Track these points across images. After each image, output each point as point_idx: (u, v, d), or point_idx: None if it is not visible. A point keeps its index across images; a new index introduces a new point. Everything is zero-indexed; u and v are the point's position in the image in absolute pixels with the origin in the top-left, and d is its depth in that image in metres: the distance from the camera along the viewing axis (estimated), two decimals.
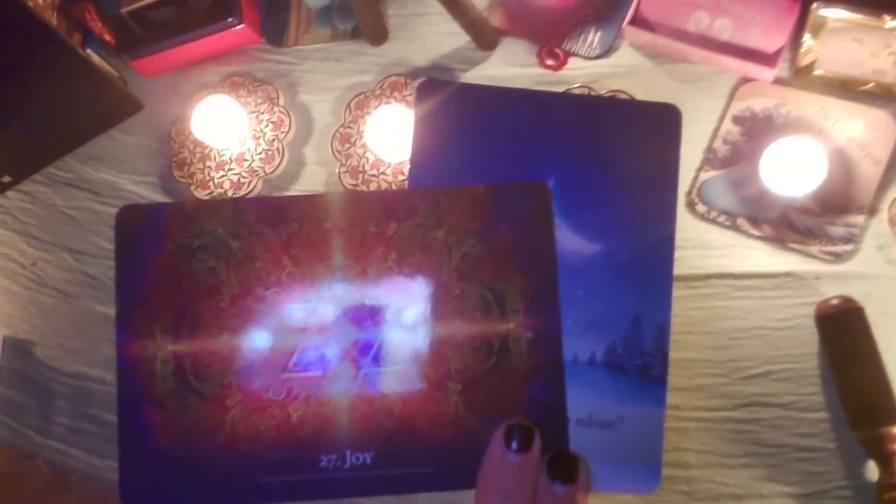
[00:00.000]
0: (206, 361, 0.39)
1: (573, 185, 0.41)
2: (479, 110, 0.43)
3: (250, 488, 0.38)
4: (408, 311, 0.39)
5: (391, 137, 0.62)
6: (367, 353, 0.39)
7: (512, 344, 0.39)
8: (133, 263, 0.40)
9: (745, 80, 0.61)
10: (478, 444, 0.38)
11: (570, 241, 0.40)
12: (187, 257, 0.40)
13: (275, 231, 0.40)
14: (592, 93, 0.62)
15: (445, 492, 0.39)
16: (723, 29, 0.62)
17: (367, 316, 0.39)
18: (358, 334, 0.39)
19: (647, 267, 0.40)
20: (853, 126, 0.58)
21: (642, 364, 0.39)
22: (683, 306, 0.58)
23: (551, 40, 0.65)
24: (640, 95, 0.62)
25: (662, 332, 0.40)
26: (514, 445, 0.37)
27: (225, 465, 0.38)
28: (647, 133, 0.42)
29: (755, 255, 0.58)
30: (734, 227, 0.58)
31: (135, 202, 0.69)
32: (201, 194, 0.67)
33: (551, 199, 0.40)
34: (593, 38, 0.64)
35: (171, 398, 0.39)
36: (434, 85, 0.43)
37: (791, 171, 0.56)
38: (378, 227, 0.40)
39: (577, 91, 0.63)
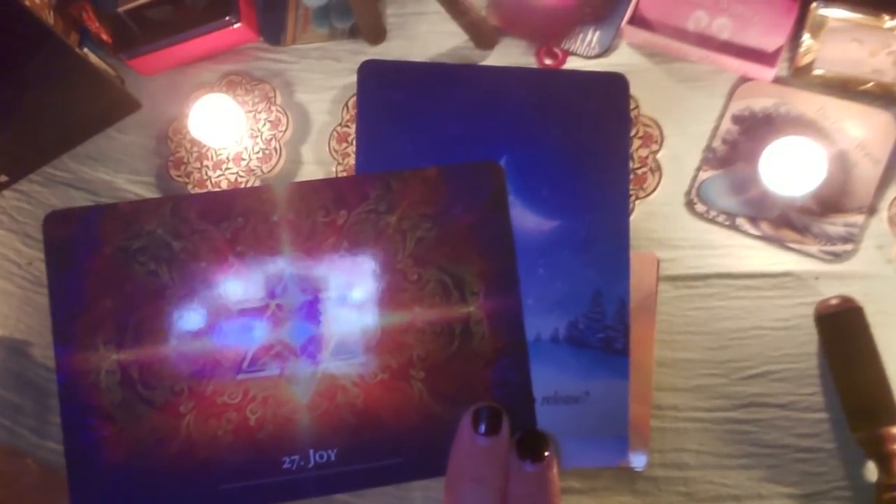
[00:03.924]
0: (154, 369, 0.37)
1: (527, 161, 0.40)
2: (425, 89, 0.41)
3: (211, 496, 0.37)
4: (364, 302, 0.38)
5: None
6: (325, 347, 0.38)
7: (474, 327, 0.38)
8: (68, 271, 0.38)
9: (745, 80, 0.61)
10: (445, 431, 0.37)
11: (526, 219, 0.39)
12: (127, 261, 0.38)
13: (218, 228, 0.38)
14: None
15: (416, 481, 0.38)
16: (722, 28, 0.61)
17: (321, 309, 0.38)
18: (313, 329, 0.38)
19: (604, 240, 0.40)
20: (853, 126, 0.58)
21: (605, 337, 0.39)
22: (682, 306, 0.58)
23: (550, 40, 0.65)
24: (639, 95, 0.62)
25: (623, 304, 0.39)
26: (483, 429, 0.37)
27: (183, 475, 0.37)
28: (595, 103, 0.41)
29: (754, 255, 0.58)
30: (733, 227, 0.58)
31: (129, 199, 0.68)
32: None
33: (505, 178, 0.39)
34: (592, 37, 0.64)
35: (120, 410, 0.37)
36: (377, 65, 0.42)
37: (790, 170, 0.55)
38: (328, 217, 0.38)
39: None
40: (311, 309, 0.38)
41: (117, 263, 0.38)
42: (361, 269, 0.38)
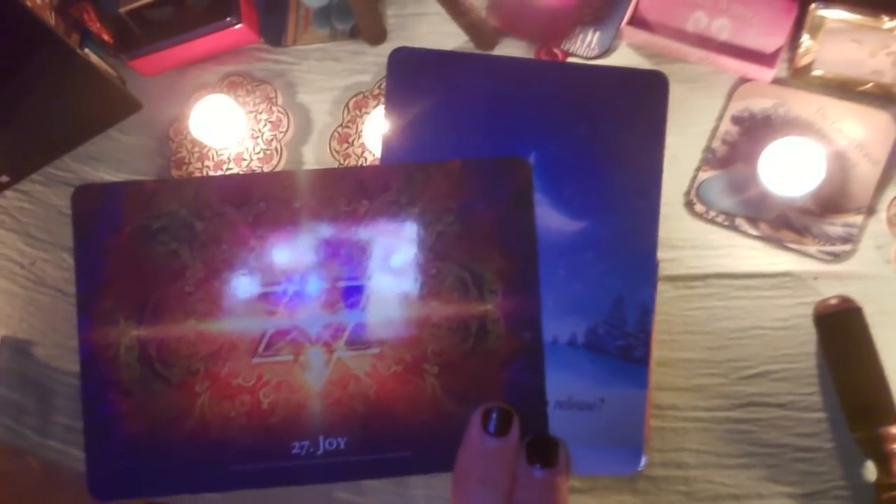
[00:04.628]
0: (171, 347, 0.38)
1: (555, 159, 0.39)
2: (454, 80, 0.40)
3: (221, 475, 0.37)
4: (382, 293, 0.38)
5: None
6: (340, 336, 0.38)
7: (490, 326, 0.38)
8: (92, 246, 0.38)
9: (744, 81, 0.61)
10: (455, 428, 0.37)
11: (551, 218, 0.38)
12: (148, 240, 0.38)
13: (240, 211, 0.38)
14: None
15: (423, 475, 0.38)
16: (721, 29, 0.62)
17: (339, 298, 0.38)
18: (330, 317, 0.38)
19: (631, 245, 0.39)
20: (852, 126, 0.58)
21: (624, 345, 0.38)
22: (682, 306, 0.58)
23: (550, 40, 0.65)
24: None
25: (646, 312, 0.38)
26: (493, 429, 0.36)
27: (195, 453, 0.37)
28: (632, 102, 0.40)
29: (754, 255, 0.58)
30: (733, 227, 0.58)
31: None
32: None
33: (532, 175, 0.39)
34: (592, 38, 0.64)
35: (138, 385, 0.38)
36: (407, 53, 0.41)
37: (790, 171, 0.56)
38: (349, 206, 0.38)
39: None
40: (329, 297, 0.38)
41: (139, 241, 0.38)
42: (380, 261, 0.38)
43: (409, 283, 0.38)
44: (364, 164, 0.64)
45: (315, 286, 0.38)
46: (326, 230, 0.38)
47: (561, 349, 0.38)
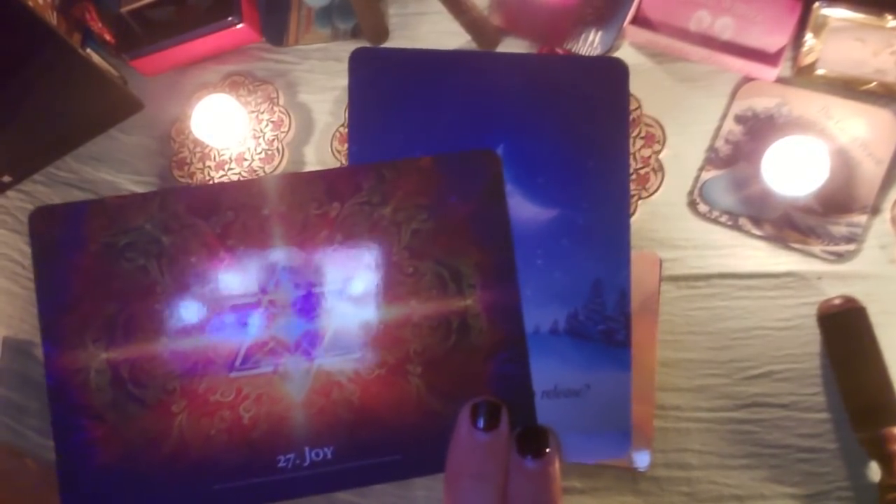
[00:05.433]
0: (145, 368, 0.37)
1: (524, 149, 0.39)
2: (417, 77, 0.40)
3: (206, 496, 0.36)
4: (359, 296, 0.38)
5: None
6: (320, 343, 0.37)
7: (471, 321, 0.37)
8: (55, 268, 0.37)
9: (747, 80, 0.61)
10: (444, 427, 0.37)
11: (524, 208, 0.39)
12: (115, 257, 0.37)
13: (208, 222, 0.37)
14: None
15: (414, 478, 0.38)
16: (724, 28, 0.61)
17: (315, 304, 0.37)
18: (307, 325, 0.37)
19: (604, 229, 0.39)
20: (855, 125, 0.57)
21: (605, 329, 0.38)
22: (684, 306, 0.58)
23: (552, 40, 0.65)
24: (642, 94, 0.62)
25: (623, 294, 0.38)
26: (482, 424, 0.36)
27: (177, 475, 0.36)
28: (594, 89, 0.40)
29: (757, 255, 0.58)
30: (736, 227, 0.58)
31: None
32: None
33: (502, 166, 0.38)
34: (594, 37, 0.64)
35: (111, 410, 0.36)
36: (368, 53, 0.41)
37: (793, 170, 0.55)
38: (320, 209, 0.38)
39: None
40: (305, 304, 0.37)
41: (105, 259, 0.37)
42: (355, 263, 0.38)
43: (385, 284, 0.38)
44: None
45: (289, 293, 0.37)
46: (298, 236, 0.38)
47: (543, 338, 0.38)
